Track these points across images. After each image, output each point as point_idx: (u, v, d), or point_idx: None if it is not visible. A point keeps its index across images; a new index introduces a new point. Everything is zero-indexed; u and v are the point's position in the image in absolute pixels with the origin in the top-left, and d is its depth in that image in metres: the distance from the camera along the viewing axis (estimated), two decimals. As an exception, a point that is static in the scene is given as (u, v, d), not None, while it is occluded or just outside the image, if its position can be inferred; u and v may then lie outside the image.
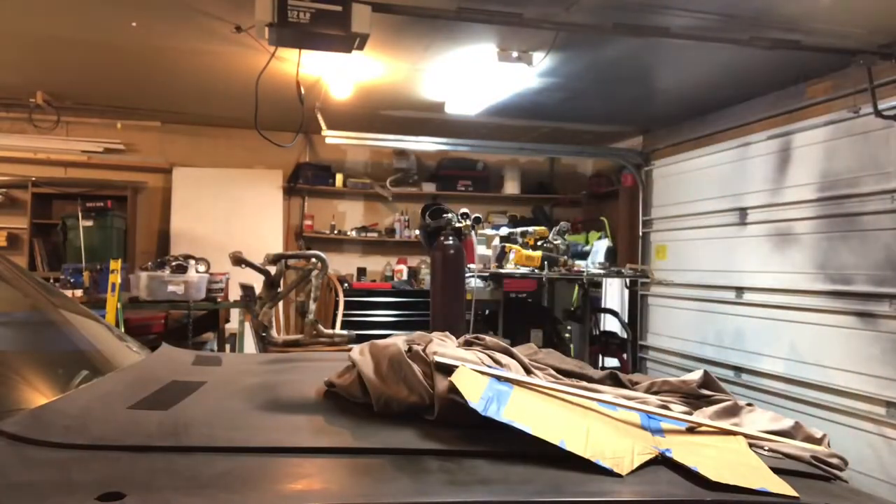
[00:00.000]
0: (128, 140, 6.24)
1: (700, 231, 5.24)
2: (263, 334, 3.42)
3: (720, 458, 1.12)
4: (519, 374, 1.41)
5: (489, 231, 5.54)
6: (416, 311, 6.19)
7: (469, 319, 4.28)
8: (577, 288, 5.48)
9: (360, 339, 2.00)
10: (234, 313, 5.10)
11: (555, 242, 4.59)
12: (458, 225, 4.12)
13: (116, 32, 3.78)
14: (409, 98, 5.06)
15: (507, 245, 4.66)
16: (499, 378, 1.29)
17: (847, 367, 3.87)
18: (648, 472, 1.06)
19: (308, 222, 6.70)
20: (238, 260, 3.32)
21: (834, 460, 1.21)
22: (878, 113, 3.62)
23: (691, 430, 1.27)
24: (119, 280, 4.05)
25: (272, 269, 3.47)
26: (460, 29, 3.54)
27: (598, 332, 5.26)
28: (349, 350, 1.50)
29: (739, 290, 4.77)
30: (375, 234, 6.87)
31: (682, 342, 5.41)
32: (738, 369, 4.72)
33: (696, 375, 1.54)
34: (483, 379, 1.25)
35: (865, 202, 3.81)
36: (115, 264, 4.11)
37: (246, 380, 1.61)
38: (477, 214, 4.39)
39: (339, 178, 6.71)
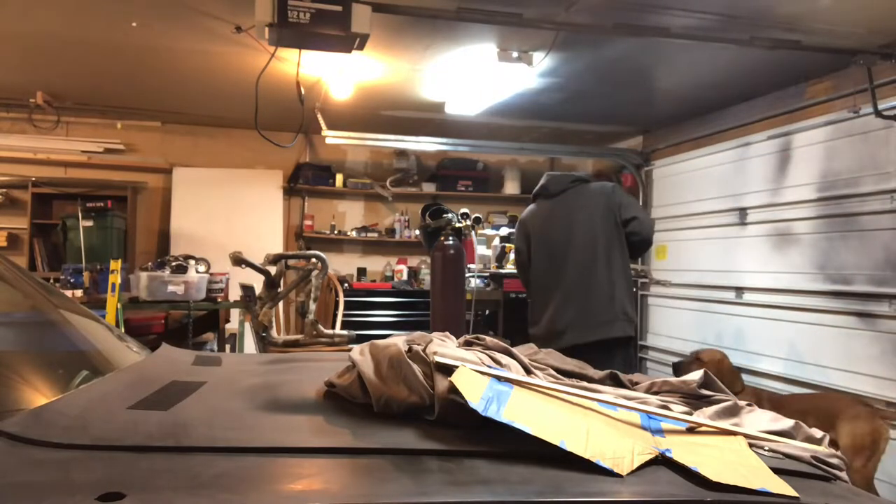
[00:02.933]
0: (128, 140, 6.24)
1: (700, 231, 5.24)
2: (263, 334, 3.42)
3: (720, 459, 1.12)
4: (519, 375, 1.41)
5: (489, 231, 5.54)
6: (416, 311, 6.19)
7: (469, 319, 4.28)
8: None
9: (360, 339, 2.01)
10: (234, 313, 5.10)
11: (555, 242, 4.58)
12: (458, 225, 4.13)
13: (116, 32, 3.78)
14: (409, 98, 5.06)
15: (507, 245, 4.65)
16: (499, 378, 1.29)
17: (847, 367, 3.87)
18: (648, 472, 1.06)
19: (308, 222, 6.70)
20: (238, 260, 3.33)
21: (834, 460, 1.21)
22: (878, 113, 3.62)
23: (691, 431, 1.27)
24: (119, 280, 4.06)
25: (272, 270, 3.47)
26: (460, 29, 3.54)
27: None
28: (349, 350, 1.50)
29: (739, 290, 4.78)
30: (375, 235, 6.87)
31: (682, 342, 5.41)
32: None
33: (696, 375, 1.54)
34: (483, 379, 1.25)
35: (865, 202, 3.81)
36: (115, 264, 4.11)
37: (246, 380, 1.61)
38: (477, 214, 4.39)
39: (339, 178, 6.71)
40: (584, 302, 3.22)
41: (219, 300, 4.59)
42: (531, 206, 3.54)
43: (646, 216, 3.43)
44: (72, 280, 4.45)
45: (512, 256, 4.52)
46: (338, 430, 1.24)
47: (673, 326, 5.56)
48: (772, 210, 4.50)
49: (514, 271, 4.59)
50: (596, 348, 3.11)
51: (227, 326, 5.19)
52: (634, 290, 5.84)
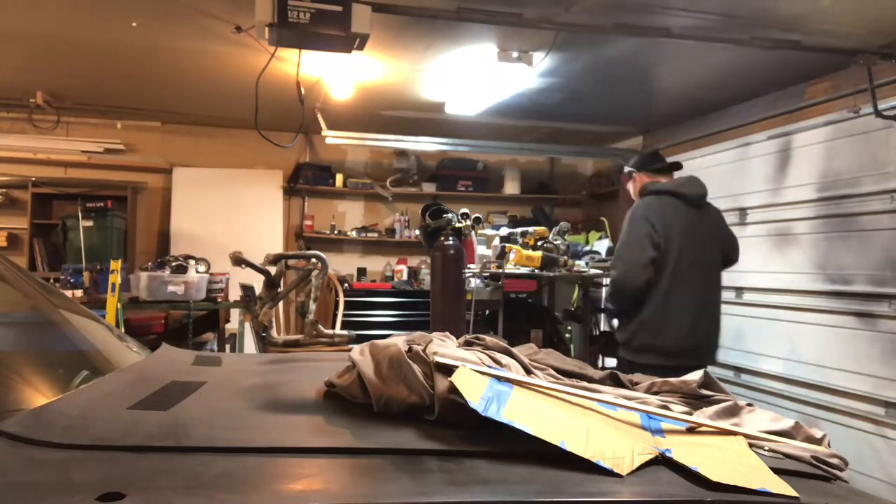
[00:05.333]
0: (128, 140, 6.25)
1: (700, 231, 5.24)
2: (263, 334, 3.42)
3: (720, 459, 1.12)
4: (519, 375, 1.41)
5: (489, 231, 5.53)
6: (416, 311, 6.19)
7: (469, 319, 4.28)
8: (577, 288, 5.48)
9: (360, 339, 2.00)
10: (234, 313, 5.10)
11: (555, 243, 4.59)
12: (458, 225, 4.13)
13: (116, 32, 3.78)
14: (409, 98, 5.06)
15: (507, 245, 4.65)
16: (499, 378, 1.29)
17: (846, 368, 3.87)
18: (648, 472, 1.06)
19: (308, 222, 6.70)
20: (238, 260, 3.33)
21: (834, 460, 1.21)
22: (878, 113, 3.62)
23: (691, 431, 1.27)
24: (119, 280, 4.05)
25: (272, 270, 3.47)
26: (460, 29, 3.54)
27: (598, 332, 5.26)
28: (349, 350, 1.50)
29: (739, 290, 4.77)
30: (375, 235, 6.87)
31: (682, 342, 5.40)
32: (738, 369, 4.71)
33: (696, 375, 1.54)
34: (483, 379, 1.25)
35: (865, 202, 3.81)
36: (115, 264, 4.11)
37: (246, 380, 1.61)
38: (477, 214, 4.39)
39: (339, 178, 6.71)
40: (712, 323, 3.27)
41: (219, 300, 4.59)
42: (665, 199, 3.24)
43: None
44: (72, 280, 4.45)
45: (512, 256, 4.52)
46: (338, 430, 1.24)
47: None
48: (772, 210, 4.50)
49: (516, 271, 4.59)
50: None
51: (227, 326, 5.19)
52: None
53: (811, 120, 4.23)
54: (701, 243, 3.23)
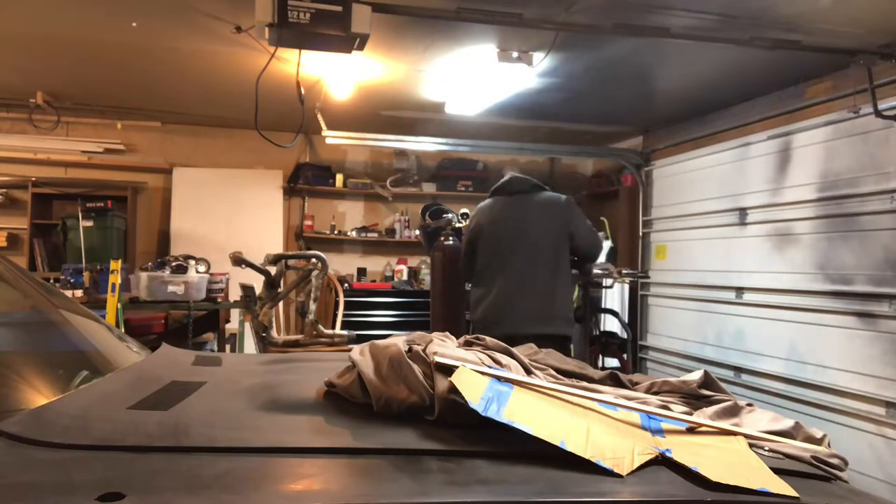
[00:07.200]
0: (128, 140, 6.24)
1: (700, 231, 5.24)
2: (263, 334, 3.42)
3: (720, 459, 1.12)
4: (519, 375, 1.41)
5: (489, 231, 5.52)
6: (416, 311, 6.19)
7: (469, 319, 4.28)
8: (577, 288, 5.47)
9: (360, 340, 2.01)
10: (234, 313, 5.10)
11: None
12: (458, 225, 4.14)
13: (116, 32, 3.78)
14: (409, 98, 5.06)
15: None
16: (499, 378, 1.29)
17: (847, 368, 3.87)
18: (649, 472, 1.06)
19: (308, 222, 6.70)
20: (238, 260, 3.32)
21: (834, 460, 1.21)
22: (878, 113, 3.62)
23: (691, 431, 1.27)
24: (119, 280, 4.05)
25: (272, 270, 3.47)
26: (460, 29, 3.54)
27: (598, 332, 5.26)
28: (349, 350, 1.50)
29: (739, 290, 4.78)
30: (375, 235, 6.87)
31: (682, 342, 5.41)
32: (738, 369, 4.71)
33: (696, 375, 1.54)
34: (483, 379, 1.25)
35: (865, 202, 3.81)
36: (116, 264, 4.11)
37: (246, 380, 1.61)
38: (477, 214, 4.38)
39: (339, 178, 6.71)
40: (523, 296, 3.42)
41: (219, 300, 4.59)
42: (488, 201, 3.68)
43: (589, 235, 3.62)
44: (72, 280, 4.44)
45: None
46: (338, 430, 1.24)
47: (673, 326, 5.55)
48: (772, 210, 4.50)
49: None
50: (532, 342, 3.08)
51: (227, 326, 5.19)
52: (640, 292, 5.92)
53: (811, 120, 4.23)
54: (517, 226, 3.58)
